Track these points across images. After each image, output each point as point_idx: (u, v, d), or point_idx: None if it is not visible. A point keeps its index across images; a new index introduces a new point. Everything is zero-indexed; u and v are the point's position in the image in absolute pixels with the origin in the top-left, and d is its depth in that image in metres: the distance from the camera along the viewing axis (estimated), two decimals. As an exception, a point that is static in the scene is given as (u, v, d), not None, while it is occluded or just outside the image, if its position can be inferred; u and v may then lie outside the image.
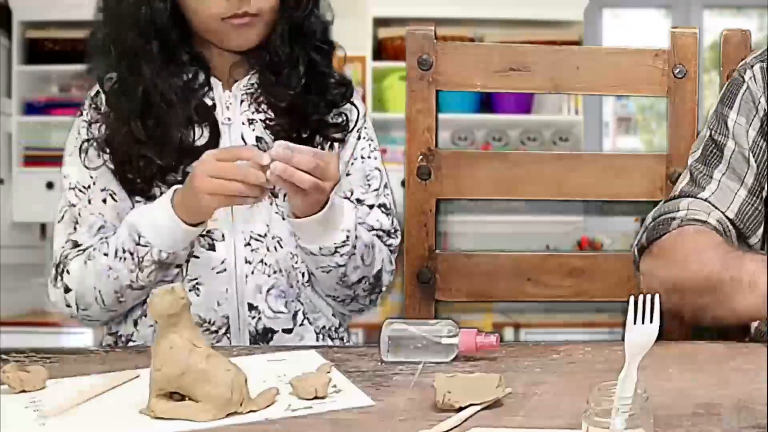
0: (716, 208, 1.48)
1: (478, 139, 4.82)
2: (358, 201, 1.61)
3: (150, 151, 1.49)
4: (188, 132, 1.52)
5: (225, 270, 1.52)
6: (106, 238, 1.50)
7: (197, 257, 1.51)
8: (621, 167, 1.73)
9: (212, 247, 1.52)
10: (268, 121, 1.55)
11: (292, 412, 1.09)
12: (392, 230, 1.62)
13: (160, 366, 1.08)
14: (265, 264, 1.53)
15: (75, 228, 1.54)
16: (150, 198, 1.51)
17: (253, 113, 1.56)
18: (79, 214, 1.54)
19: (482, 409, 1.06)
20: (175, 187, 1.46)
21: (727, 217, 1.48)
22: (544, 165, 1.74)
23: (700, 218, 1.47)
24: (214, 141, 1.53)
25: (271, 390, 1.12)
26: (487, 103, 4.79)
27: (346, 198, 1.57)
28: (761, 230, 1.50)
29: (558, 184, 1.72)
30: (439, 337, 1.27)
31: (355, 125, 1.61)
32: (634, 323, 0.97)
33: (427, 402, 1.09)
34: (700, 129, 1.66)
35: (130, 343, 1.55)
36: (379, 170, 1.64)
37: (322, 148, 1.56)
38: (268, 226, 1.54)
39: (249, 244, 1.53)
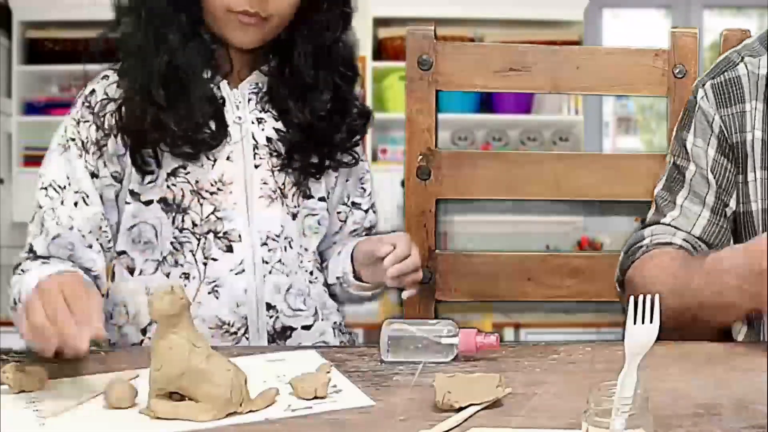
0: (680, 230, 1.49)
1: (478, 139, 4.82)
2: (354, 204, 1.62)
3: (168, 117, 1.43)
4: (204, 116, 1.47)
5: (243, 271, 1.49)
6: (25, 269, 1.43)
7: (216, 259, 1.49)
8: (621, 167, 1.73)
9: (230, 249, 1.49)
10: (280, 130, 1.53)
11: (291, 412, 1.09)
12: (376, 224, 1.66)
13: (160, 366, 1.08)
14: (283, 263, 1.52)
15: (40, 231, 1.47)
16: (154, 180, 1.48)
17: (260, 112, 1.53)
18: (44, 218, 1.46)
19: (482, 409, 1.06)
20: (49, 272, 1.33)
21: (694, 236, 1.48)
22: (544, 165, 1.74)
23: (665, 240, 1.48)
24: (220, 135, 1.49)
25: (271, 390, 1.12)
26: (487, 103, 4.79)
27: (343, 204, 1.61)
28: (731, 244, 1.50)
29: (558, 184, 1.72)
30: (439, 337, 1.27)
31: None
32: (634, 323, 0.97)
33: (427, 402, 1.09)
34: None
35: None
36: (369, 171, 1.64)
37: (328, 169, 1.57)
38: (282, 226, 1.52)
39: (266, 243, 1.51)
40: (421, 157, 1.69)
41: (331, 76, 1.52)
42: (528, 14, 4.61)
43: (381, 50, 4.71)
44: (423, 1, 4.36)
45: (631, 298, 0.98)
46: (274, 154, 1.52)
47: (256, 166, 1.51)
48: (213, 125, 1.48)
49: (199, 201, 1.48)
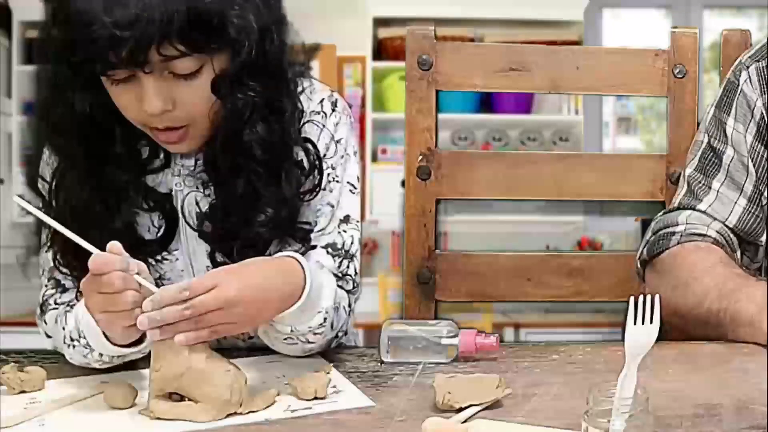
0: (715, 219, 1.48)
1: (478, 139, 4.82)
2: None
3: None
4: (142, 222, 1.34)
5: None
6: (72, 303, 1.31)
7: None
8: (621, 167, 1.73)
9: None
10: (216, 205, 1.34)
11: (291, 413, 1.09)
12: (338, 275, 1.35)
13: (160, 367, 1.08)
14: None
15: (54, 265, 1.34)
16: None
17: (207, 187, 1.35)
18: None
19: (482, 410, 1.06)
20: None
21: (728, 226, 1.47)
22: (544, 165, 1.74)
23: (699, 231, 1.46)
24: (170, 234, 1.35)
25: (271, 391, 1.12)
26: (487, 103, 4.79)
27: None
28: (764, 237, 1.49)
29: (558, 184, 1.72)
30: (438, 338, 1.27)
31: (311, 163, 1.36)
32: (634, 323, 0.97)
33: (426, 402, 1.09)
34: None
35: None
36: (332, 205, 1.37)
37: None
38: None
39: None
40: (421, 157, 1.69)
41: (246, 163, 1.29)
42: (528, 14, 4.62)
43: (381, 50, 4.71)
44: (423, 1, 4.36)
45: (631, 298, 0.98)
46: (218, 228, 1.33)
47: (200, 234, 1.34)
48: (160, 219, 1.35)
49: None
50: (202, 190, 1.35)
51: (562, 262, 1.74)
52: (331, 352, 1.32)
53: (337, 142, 1.38)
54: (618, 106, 5.36)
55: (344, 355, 1.31)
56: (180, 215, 1.36)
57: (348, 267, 1.37)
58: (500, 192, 1.73)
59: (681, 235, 1.46)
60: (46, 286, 1.37)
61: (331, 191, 1.37)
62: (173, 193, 1.36)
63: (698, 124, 1.66)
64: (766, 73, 1.48)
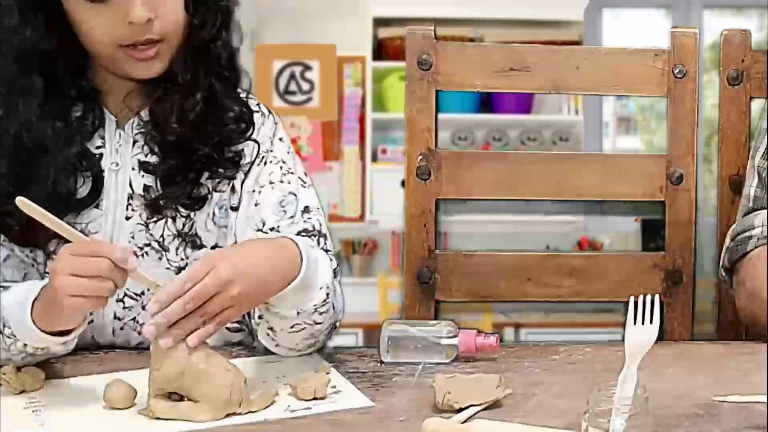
0: None
1: (478, 139, 4.82)
2: (272, 230, 1.39)
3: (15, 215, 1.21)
4: (68, 182, 1.32)
5: (92, 321, 1.35)
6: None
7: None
8: (621, 167, 1.73)
9: None
10: (154, 166, 1.37)
11: (291, 413, 1.09)
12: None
13: (160, 366, 1.08)
14: (137, 322, 1.38)
15: None
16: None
17: (146, 155, 1.37)
18: None
19: (482, 410, 1.06)
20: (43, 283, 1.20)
21: None
22: (544, 165, 1.74)
23: None
24: (95, 192, 1.35)
25: (270, 391, 1.12)
26: (487, 103, 4.79)
27: (259, 231, 1.38)
28: None
29: (558, 184, 1.72)
30: (438, 338, 1.27)
31: (257, 157, 1.41)
32: (634, 323, 0.97)
33: (426, 403, 1.09)
34: (700, 129, 1.65)
35: None
36: (294, 195, 1.41)
37: (214, 189, 1.39)
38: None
39: (122, 300, 1.38)
40: (421, 157, 1.69)
41: (207, 78, 1.36)
42: (528, 14, 4.62)
43: (381, 50, 4.71)
44: (423, 1, 4.36)
45: (631, 298, 0.98)
46: (151, 200, 1.36)
47: (127, 218, 1.37)
48: (88, 179, 1.35)
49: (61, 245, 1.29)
50: (137, 170, 1.37)
51: (562, 262, 1.73)
52: (331, 353, 1.32)
53: (280, 139, 1.44)
54: (618, 106, 5.36)
55: (344, 355, 1.31)
56: (115, 190, 1.36)
57: (326, 244, 1.40)
58: (500, 192, 1.73)
59: (758, 239, 1.45)
60: None
61: (290, 182, 1.42)
62: (105, 174, 1.36)
63: (698, 124, 1.67)
64: None
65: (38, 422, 1.08)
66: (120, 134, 1.38)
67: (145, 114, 1.38)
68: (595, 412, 0.89)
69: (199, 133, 1.36)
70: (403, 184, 1.71)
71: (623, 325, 0.97)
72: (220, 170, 1.39)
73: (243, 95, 1.44)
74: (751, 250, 1.45)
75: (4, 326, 1.21)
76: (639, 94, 1.80)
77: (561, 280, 1.71)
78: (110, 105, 1.38)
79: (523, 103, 4.79)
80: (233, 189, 1.41)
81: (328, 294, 1.27)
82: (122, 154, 1.37)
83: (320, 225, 1.41)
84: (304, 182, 1.44)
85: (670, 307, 1.64)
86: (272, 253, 1.19)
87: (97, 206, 1.36)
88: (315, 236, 1.39)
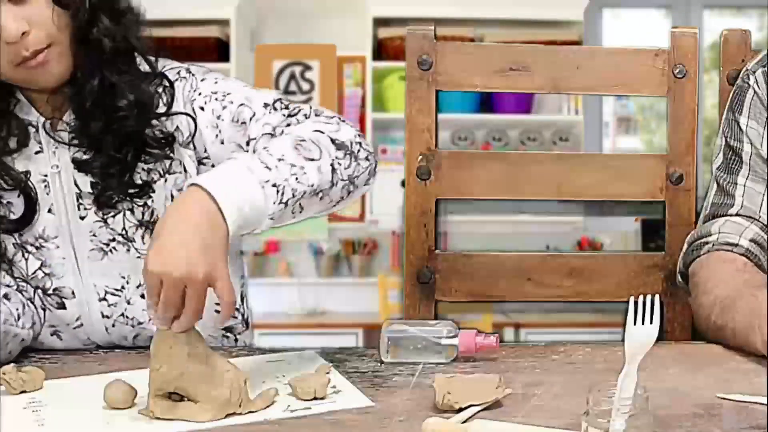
0: (750, 218, 1.49)
1: (478, 139, 4.82)
2: (248, 143, 1.36)
3: None
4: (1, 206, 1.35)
5: (82, 325, 1.40)
6: None
7: (51, 311, 1.39)
8: (621, 167, 1.73)
9: (62, 306, 1.39)
10: (89, 164, 1.36)
11: (291, 413, 1.09)
12: (294, 112, 1.36)
13: (160, 366, 1.08)
14: (126, 317, 1.40)
15: None
16: None
17: (83, 154, 1.37)
18: None
19: (482, 410, 1.06)
20: None
21: (763, 226, 1.48)
22: (544, 165, 1.74)
23: (731, 241, 1.48)
24: (29, 214, 1.36)
25: (270, 390, 1.12)
26: (487, 103, 4.79)
27: (216, 138, 1.37)
28: None
29: (558, 184, 1.72)
30: (438, 338, 1.27)
31: (193, 125, 1.39)
32: (634, 323, 0.97)
33: (426, 403, 1.09)
34: (700, 129, 1.66)
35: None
36: (243, 104, 1.37)
37: (167, 171, 1.39)
38: (125, 277, 1.39)
39: (105, 299, 1.40)
40: (421, 157, 1.69)
41: (96, 68, 1.33)
42: (528, 14, 4.62)
43: (381, 50, 4.71)
44: (423, 1, 4.36)
45: (631, 298, 0.98)
46: (98, 193, 1.37)
47: (82, 218, 1.38)
48: (21, 203, 1.35)
49: (23, 255, 1.38)
50: (78, 169, 1.36)
51: (562, 262, 1.74)
52: (331, 352, 1.32)
53: (202, 80, 1.40)
54: (618, 106, 5.37)
55: (344, 355, 1.31)
56: (62, 193, 1.36)
57: (288, 102, 1.38)
58: (500, 192, 1.73)
59: (713, 245, 1.48)
60: None
61: (232, 102, 1.37)
62: (49, 177, 1.36)
63: (698, 124, 1.67)
64: None
65: (38, 422, 1.08)
66: (54, 137, 1.37)
67: (69, 115, 1.37)
68: (595, 412, 0.89)
69: (104, 121, 1.34)
70: (403, 184, 1.71)
71: (623, 325, 0.97)
72: (153, 150, 1.37)
73: (160, 69, 1.40)
74: (703, 255, 1.48)
75: None
76: (639, 94, 1.80)
77: (561, 280, 1.71)
78: (39, 108, 1.37)
79: (523, 103, 4.79)
80: (185, 169, 1.39)
81: (282, 203, 1.18)
82: (59, 156, 1.37)
83: (274, 100, 1.38)
84: (247, 86, 1.41)
85: (670, 307, 1.64)
86: (185, 219, 1.11)
87: (49, 210, 1.37)
88: (294, 114, 1.36)
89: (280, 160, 1.20)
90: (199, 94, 1.39)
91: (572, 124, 4.83)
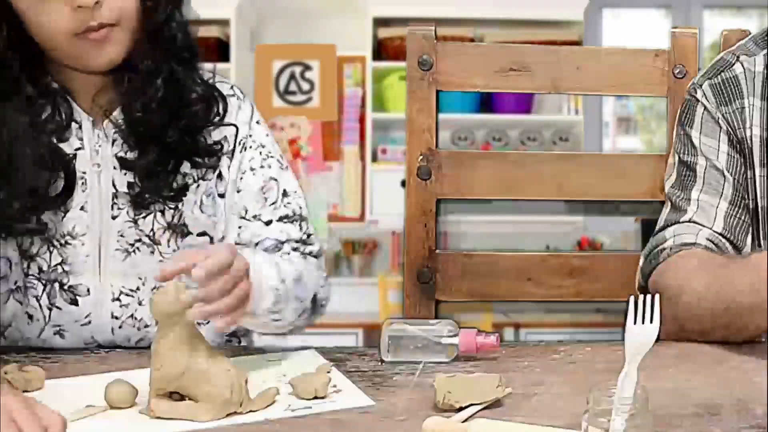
0: (703, 226, 1.48)
1: (478, 139, 4.82)
2: (255, 217, 1.42)
3: None
4: (40, 178, 1.32)
5: (90, 323, 1.39)
6: None
7: (60, 308, 1.38)
8: (621, 167, 1.73)
9: (75, 302, 1.38)
10: (133, 162, 1.37)
11: (291, 412, 1.09)
12: (304, 237, 1.43)
13: (160, 366, 1.08)
14: (135, 318, 1.41)
15: None
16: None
17: (125, 153, 1.37)
18: None
19: (482, 409, 1.06)
20: None
21: (716, 232, 1.48)
22: (544, 165, 1.74)
23: (687, 241, 1.46)
24: (69, 191, 1.35)
25: (271, 390, 1.12)
26: (487, 103, 4.79)
27: (242, 218, 1.42)
28: (749, 239, 1.50)
29: (558, 184, 1.72)
30: (439, 337, 1.27)
31: (236, 142, 1.43)
32: (634, 323, 0.97)
33: (427, 402, 1.09)
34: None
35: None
36: (276, 179, 1.44)
37: (201, 177, 1.40)
38: (142, 279, 1.39)
39: (118, 299, 1.40)
40: (421, 157, 1.69)
41: (167, 61, 1.35)
42: (528, 14, 4.62)
43: (381, 50, 4.71)
44: (423, 1, 4.36)
45: (631, 298, 0.98)
46: (135, 195, 1.37)
47: (114, 218, 1.37)
48: (60, 185, 1.34)
49: (48, 249, 1.36)
50: (118, 168, 1.37)
51: (562, 262, 1.74)
52: (331, 352, 1.32)
53: (257, 122, 1.46)
54: (618, 106, 5.37)
55: (344, 355, 1.31)
56: (99, 191, 1.37)
57: (308, 228, 1.44)
58: (500, 192, 1.73)
59: (670, 249, 1.46)
60: None
61: (269, 167, 1.44)
62: (87, 174, 1.36)
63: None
64: (718, 88, 1.52)
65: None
66: (98, 134, 1.37)
67: (118, 112, 1.37)
68: (595, 412, 0.89)
69: (166, 118, 1.35)
70: (403, 184, 1.71)
71: (623, 325, 0.97)
72: (199, 159, 1.39)
73: (212, 78, 1.44)
74: (662, 262, 1.46)
75: None
76: (639, 94, 1.80)
77: (561, 280, 1.72)
78: (83, 105, 1.38)
79: (523, 103, 4.78)
80: (220, 176, 1.42)
81: (278, 293, 1.27)
82: (102, 155, 1.37)
83: (300, 208, 1.45)
84: (282, 165, 1.47)
85: (670, 306, 1.64)
86: None
87: (82, 208, 1.36)
88: (296, 221, 1.43)
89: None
90: (251, 133, 1.44)
91: (572, 124, 4.83)
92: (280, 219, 1.42)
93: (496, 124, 4.81)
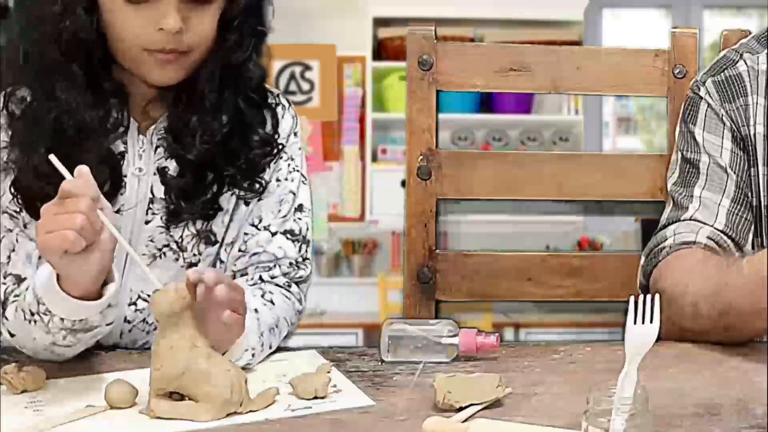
0: (704, 223, 1.48)
1: (478, 139, 4.83)
2: (265, 228, 1.42)
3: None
4: (97, 173, 1.25)
5: (112, 323, 1.31)
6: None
7: None
8: (621, 167, 1.73)
9: None
10: (171, 178, 1.37)
11: (291, 412, 1.09)
12: (299, 259, 1.43)
13: (160, 366, 1.08)
14: (147, 323, 1.41)
15: (9, 257, 1.34)
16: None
17: (166, 160, 1.38)
18: (16, 240, 1.34)
19: (482, 409, 1.06)
20: None
21: (717, 229, 1.47)
22: (544, 165, 1.74)
23: (687, 240, 1.46)
24: (114, 192, 1.35)
25: (271, 390, 1.12)
26: (487, 103, 4.80)
27: (253, 226, 1.42)
28: (751, 236, 1.49)
29: (558, 184, 1.72)
30: (439, 337, 1.27)
31: (272, 154, 1.44)
32: (634, 323, 0.97)
33: (427, 402, 1.09)
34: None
35: None
36: (293, 193, 1.45)
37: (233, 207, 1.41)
38: (161, 284, 1.35)
39: (135, 303, 1.40)
40: (421, 157, 1.69)
41: (234, 99, 1.38)
42: (528, 14, 4.62)
43: (381, 50, 4.72)
44: (423, 1, 4.37)
45: (631, 298, 0.98)
46: (171, 208, 1.38)
47: (147, 222, 1.38)
48: (106, 186, 1.33)
49: None
50: (158, 175, 1.37)
51: (562, 262, 1.74)
52: (331, 352, 1.32)
53: (295, 134, 1.47)
54: (618, 106, 5.37)
55: (344, 355, 1.31)
56: (136, 195, 1.37)
57: (306, 251, 1.45)
58: (500, 192, 1.73)
59: (670, 247, 1.46)
60: (4, 284, 1.33)
61: (292, 180, 1.45)
62: (128, 179, 1.37)
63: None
64: (721, 86, 1.52)
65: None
66: (143, 140, 1.38)
67: (164, 121, 1.38)
68: (595, 412, 0.89)
69: (225, 153, 1.37)
70: (403, 184, 1.71)
71: (623, 325, 0.97)
72: (242, 193, 1.41)
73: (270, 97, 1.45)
74: (662, 260, 1.46)
75: (39, 303, 1.20)
76: (639, 94, 1.80)
77: (561, 280, 1.72)
78: (134, 109, 1.38)
79: (523, 103, 4.79)
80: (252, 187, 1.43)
81: (253, 354, 1.25)
82: (145, 161, 1.38)
83: (306, 229, 1.45)
84: (305, 179, 1.47)
85: (670, 306, 1.64)
86: None
87: (117, 211, 1.35)
88: (298, 241, 1.44)
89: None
90: (286, 144, 1.44)
91: (572, 124, 4.83)
92: (285, 232, 1.43)
93: (496, 124, 4.81)
